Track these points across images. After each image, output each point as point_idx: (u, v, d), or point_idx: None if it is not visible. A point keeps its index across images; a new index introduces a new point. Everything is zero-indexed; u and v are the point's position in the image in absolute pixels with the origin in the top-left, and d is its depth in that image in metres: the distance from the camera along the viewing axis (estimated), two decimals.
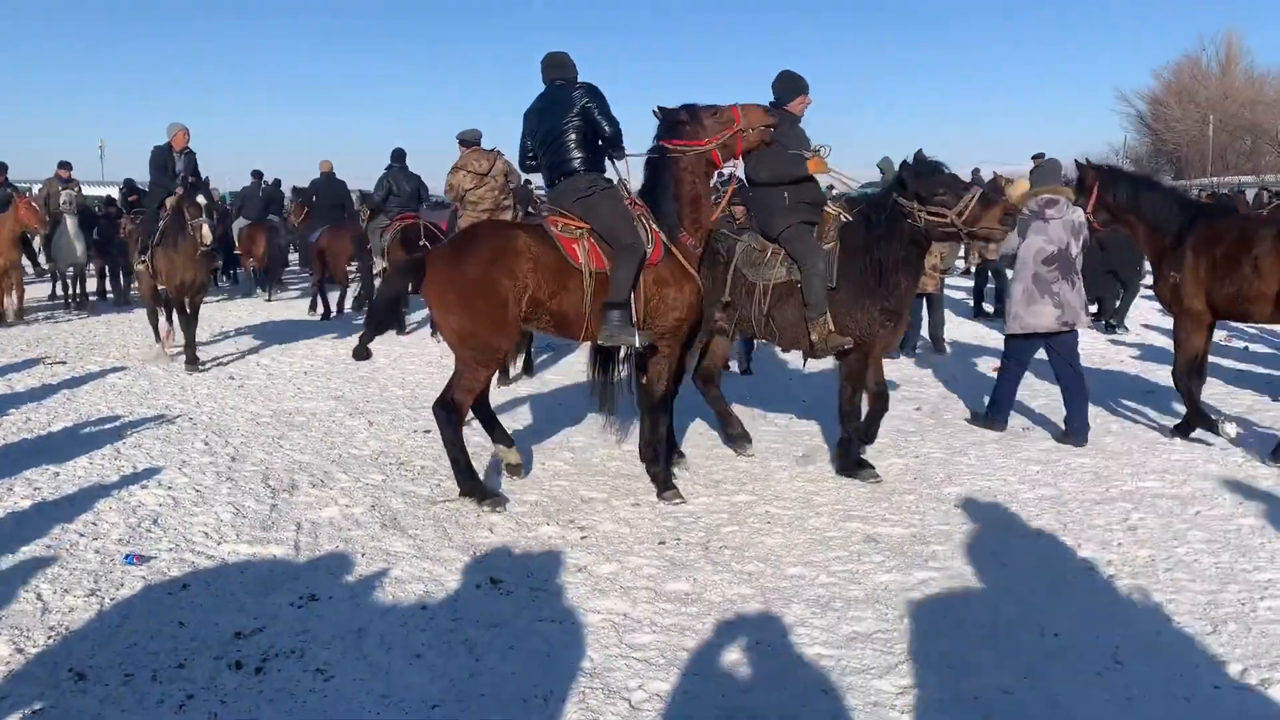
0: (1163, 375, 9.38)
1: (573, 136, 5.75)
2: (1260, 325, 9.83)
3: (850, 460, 6.31)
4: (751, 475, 6.36)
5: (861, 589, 4.52)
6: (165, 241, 9.81)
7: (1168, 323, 12.73)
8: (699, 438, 7.29)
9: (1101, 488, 5.97)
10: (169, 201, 9.89)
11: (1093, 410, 7.92)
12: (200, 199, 9.56)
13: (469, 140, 10.01)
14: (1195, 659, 3.76)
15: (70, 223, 14.38)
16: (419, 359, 10.81)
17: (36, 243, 15.25)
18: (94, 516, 5.33)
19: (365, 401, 8.57)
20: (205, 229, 9.45)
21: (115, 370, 9.90)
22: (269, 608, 4.24)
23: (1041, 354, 7.36)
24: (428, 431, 7.47)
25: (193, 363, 9.99)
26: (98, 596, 4.31)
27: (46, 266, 16.10)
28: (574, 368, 10.16)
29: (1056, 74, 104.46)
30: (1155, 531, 5.19)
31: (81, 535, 5.04)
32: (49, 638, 3.92)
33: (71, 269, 15.09)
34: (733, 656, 3.86)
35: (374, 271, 13.07)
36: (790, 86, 6.49)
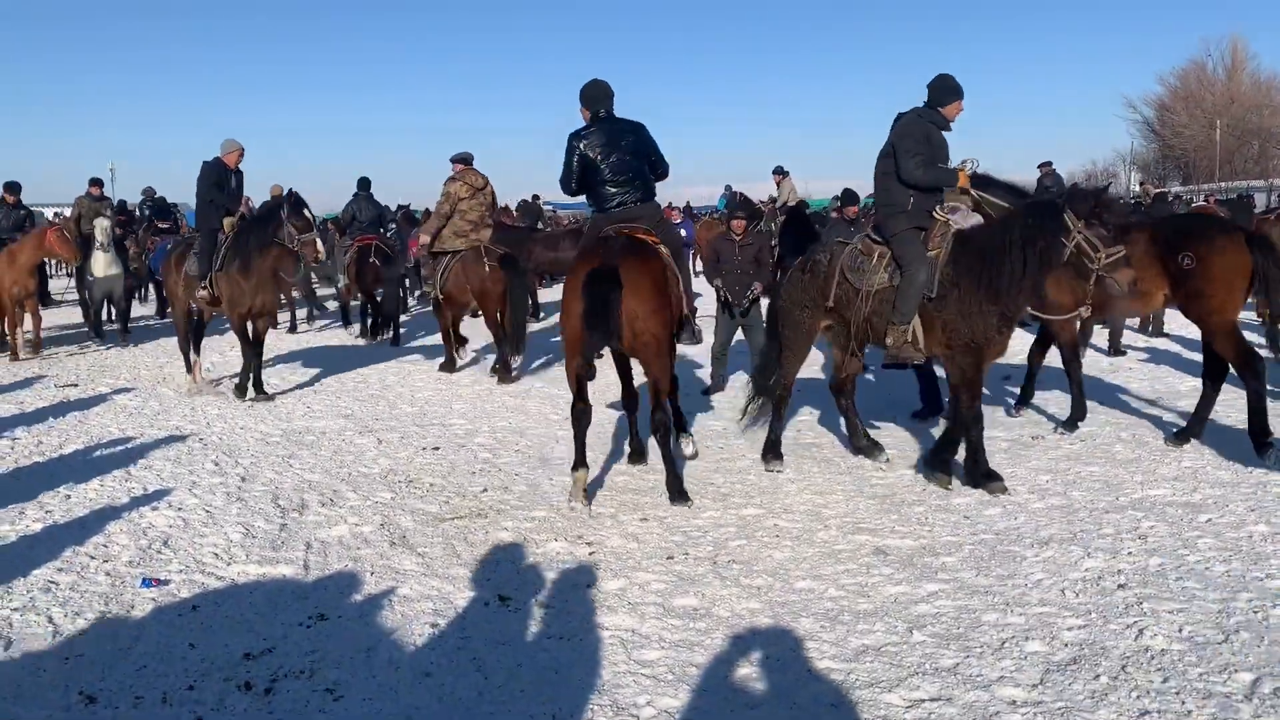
0: (1172, 383, 9.35)
1: (645, 169, 6.38)
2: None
3: (979, 471, 6.19)
4: (760, 488, 6.35)
5: (870, 602, 4.51)
6: (231, 264, 9.16)
7: (1179, 331, 12.74)
8: (706, 451, 7.28)
9: (1111, 496, 5.95)
10: (228, 221, 9.43)
11: (1102, 418, 7.93)
12: (306, 212, 9.19)
13: (464, 159, 10.64)
14: (1207, 668, 3.73)
15: (104, 246, 13.28)
16: (428, 376, 10.84)
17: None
18: (105, 539, 5.35)
19: (374, 419, 8.60)
20: (318, 243, 9.09)
21: (126, 392, 9.95)
22: (278, 628, 4.25)
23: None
24: (436, 448, 7.50)
25: (260, 392, 9.47)
26: (108, 619, 4.33)
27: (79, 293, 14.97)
28: None
29: (1062, 81, 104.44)
30: (1166, 539, 5.16)
31: (92, 557, 5.06)
32: (60, 660, 3.93)
33: (108, 296, 14.13)
34: (742, 672, 3.86)
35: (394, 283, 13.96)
36: (947, 90, 6.44)
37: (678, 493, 6.01)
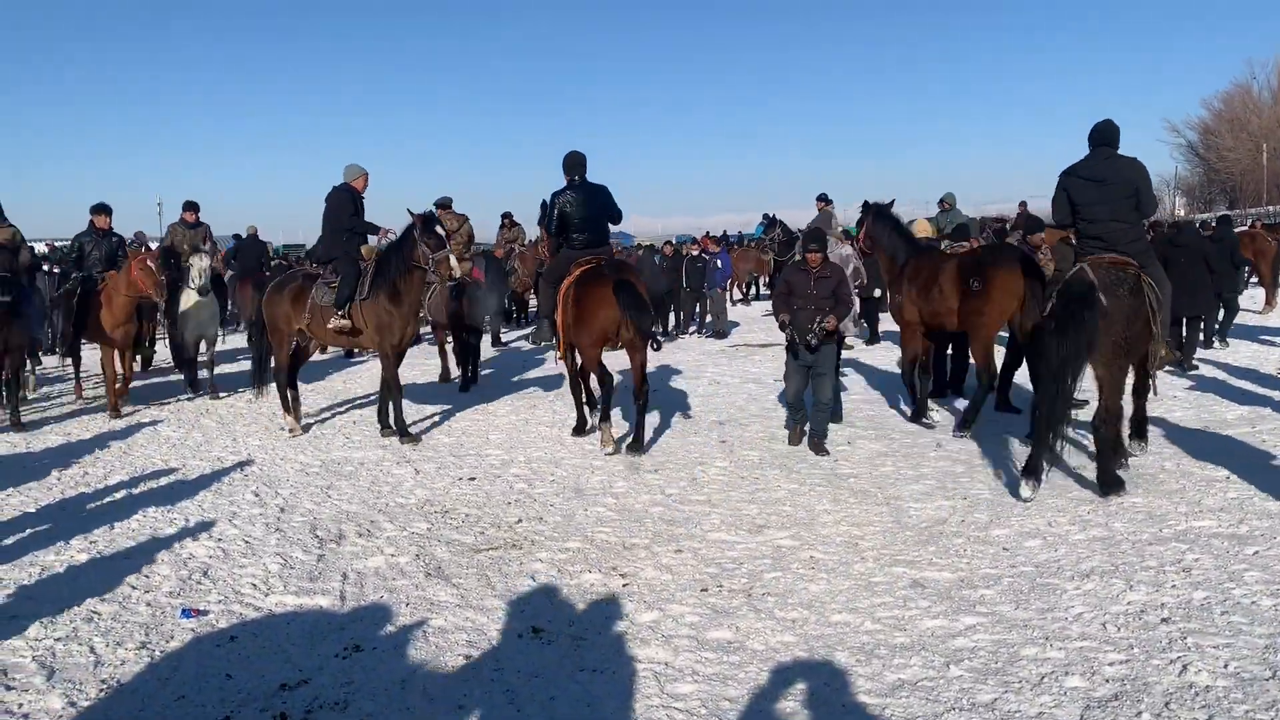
0: (1219, 411, 9.18)
1: (605, 221, 8.86)
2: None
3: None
4: (795, 519, 6.31)
5: (907, 635, 4.45)
6: (379, 292, 8.90)
7: (1225, 358, 12.52)
8: (740, 481, 7.26)
9: (1155, 528, 5.84)
10: (367, 249, 9.41)
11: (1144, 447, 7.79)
12: (438, 229, 8.99)
13: (444, 204, 13.84)
14: (1253, 707, 3.64)
15: (201, 289, 11.56)
16: (464, 407, 10.90)
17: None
18: (147, 569, 5.43)
19: (412, 449, 8.66)
20: (453, 260, 8.91)
21: (168, 423, 10.12)
22: (314, 659, 4.28)
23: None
24: (472, 479, 7.54)
25: (407, 436, 9.00)
26: (148, 649, 4.39)
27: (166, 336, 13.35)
28: (614, 412, 10.20)
29: (1104, 105, 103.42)
30: (1211, 572, 5.05)
31: (134, 588, 5.14)
32: (101, 690, 3.99)
33: (202, 340, 12.07)
34: (776, 706, 3.82)
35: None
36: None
37: (637, 440, 8.35)
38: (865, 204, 9.97)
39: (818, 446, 8.14)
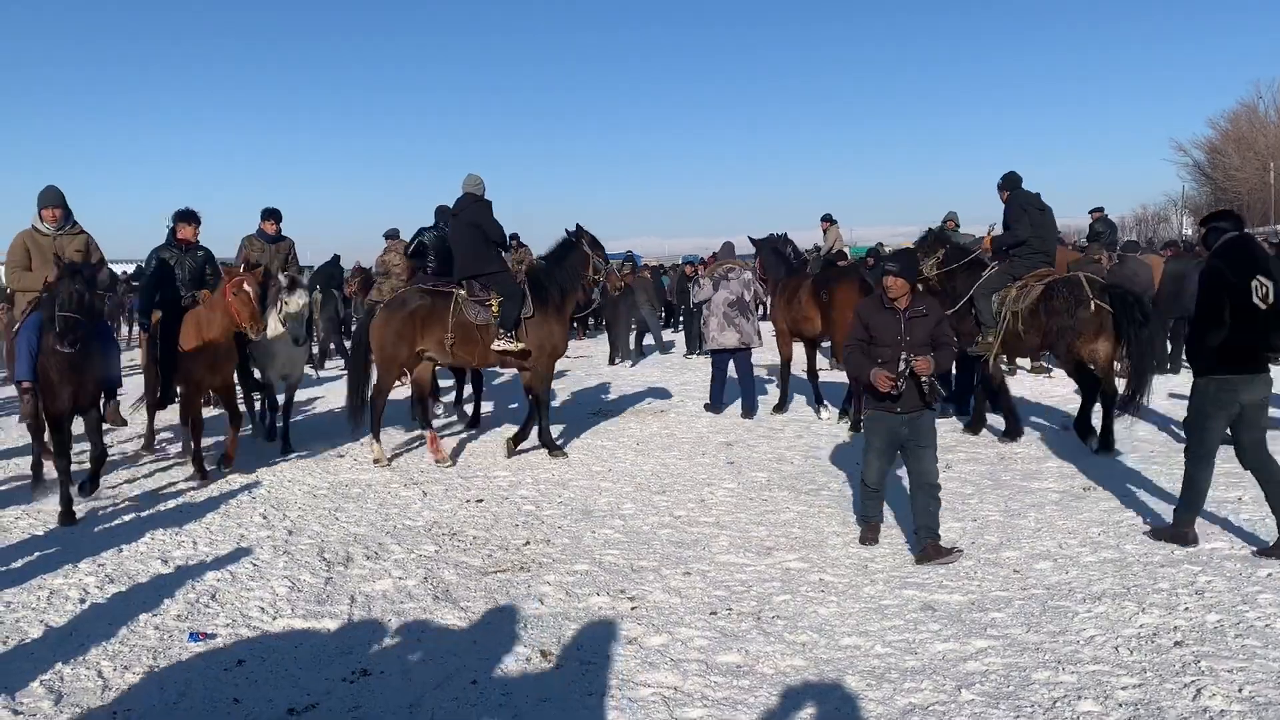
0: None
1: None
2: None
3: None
4: (804, 541, 6.28)
5: (918, 659, 4.42)
6: (545, 309, 8.85)
7: None
8: (749, 503, 7.24)
9: (1166, 550, 5.80)
10: (512, 261, 9.40)
11: (1157, 469, 7.78)
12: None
13: (392, 235, 13.79)
14: None
15: (294, 318, 9.11)
16: (468, 427, 10.90)
17: None
18: (154, 593, 5.42)
19: (420, 471, 8.66)
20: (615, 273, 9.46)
21: (177, 446, 10.11)
22: (322, 683, 4.26)
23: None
24: (480, 501, 7.53)
25: (557, 450, 9.10)
26: (156, 673, 4.37)
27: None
28: (621, 432, 10.19)
29: (1111, 126, 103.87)
30: (1224, 595, 5.01)
31: (142, 611, 5.13)
32: (109, 716, 3.98)
33: (286, 379, 9.84)
34: None
35: None
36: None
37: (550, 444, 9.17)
38: (751, 238, 12.19)
39: (934, 551, 5.74)
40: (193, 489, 8.01)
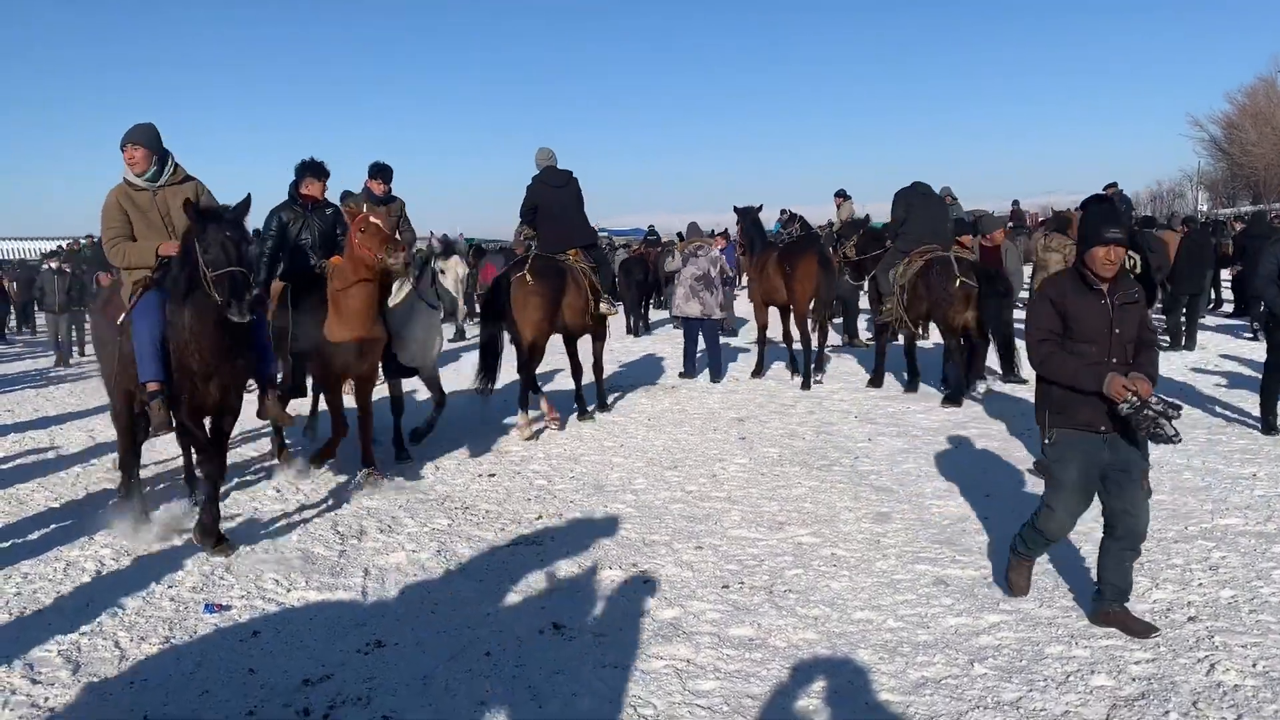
0: (1246, 409, 9.08)
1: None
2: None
3: None
4: (816, 516, 6.28)
5: (930, 633, 4.42)
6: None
7: (1246, 351, 12.41)
8: (761, 478, 7.24)
9: (1180, 525, 5.78)
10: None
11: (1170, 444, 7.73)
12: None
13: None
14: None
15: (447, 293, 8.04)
16: (484, 401, 10.90)
17: None
18: (170, 564, 5.46)
19: (432, 445, 8.67)
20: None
21: None
22: (336, 654, 4.29)
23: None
24: (492, 475, 7.55)
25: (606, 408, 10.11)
26: (172, 644, 4.41)
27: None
28: (632, 408, 10.19)
29: (1127, 102, 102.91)
30: (1238, 571, 5.00)
31: (158, 583, 5.17)
32: (126, 685, 4.01)
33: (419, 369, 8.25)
34: (799, 704, 3.81)
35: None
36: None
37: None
38: (736, 207, 12.53)
39: (1123, 620, 4.37)
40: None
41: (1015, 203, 19.05)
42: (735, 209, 12.62)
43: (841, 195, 19.47)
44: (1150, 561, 5.18)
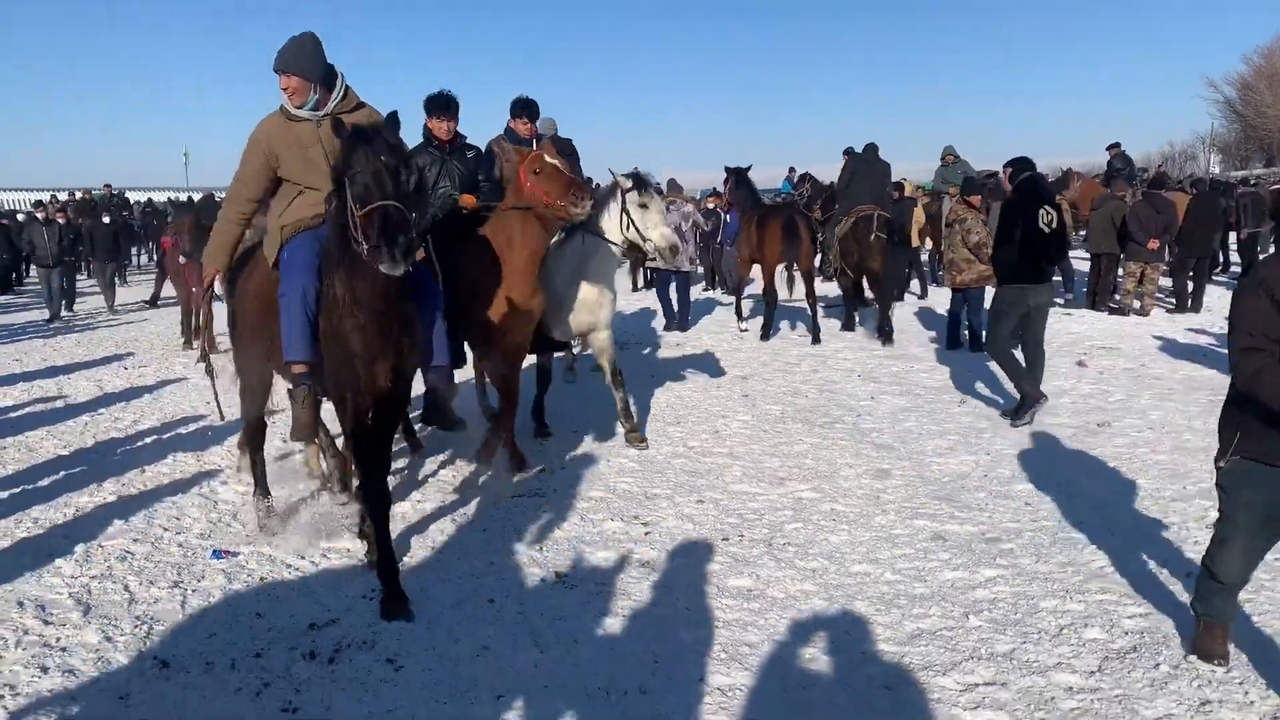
0: None
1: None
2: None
3: None
4: (817, 472, 6.33)
5: (927, 586, 4.48)
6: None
7: None
8: (763, 435, 7.28)
9: (1179, 485, 5.82)
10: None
11: (1173, 406, 7.77)
12: None
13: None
14: (1274, 658, 3.65)
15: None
16: None
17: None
18: (177, 512, 5.54)
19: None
20: None
21: (197, 371, 10.22)
22: (342, 600, 4.36)
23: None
24: None
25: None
26: (180, 588, 4.49)
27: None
28: (636, 364, 10.22)
29: (1143, 63, 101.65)
30: None
31: (166, 529, 5.24)
32: (135, 627, 4.09)
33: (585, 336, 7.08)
34: (795, 652, 3.87)
35: None
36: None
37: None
38: (727, 169, 12.74)
39: None
40: (212, 414, 8.11)
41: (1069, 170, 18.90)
42: (726, 169, 12.82)
43: (849, 153, 19.34)
44: (1148, 520, 5.23)
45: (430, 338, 4.60)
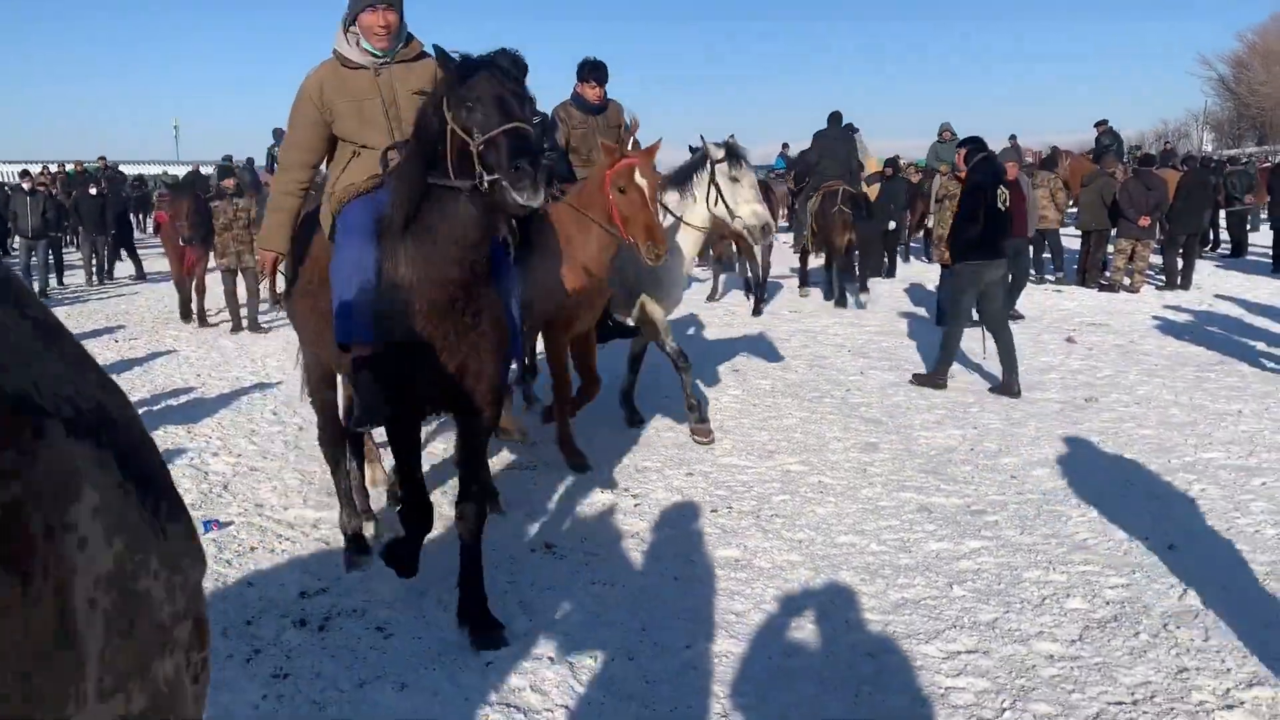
0: (1232, 348, 9.16)
1: None
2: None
3: None
4: (805, 445, 6.37)
5: (912, 557, 4.54)
6: None
7: (1241, 292, 12.46)
8: (752, 408, 7.32)
9: (1164, 459, 5.88)
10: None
11: (1160, 382, 7.83)
12: None
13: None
14: (1251, 627, 3.71)
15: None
16: None
17: None
18: None
19: None
20: None
21: (187, 343, 10.23)
22: (333, 569, 4.40)
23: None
24: None
25: None
26: None
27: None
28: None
29: (1136, 39, 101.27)
30: (1217, 502, 5.10)
31: None
32: None
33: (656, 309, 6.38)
34: (780, 620, 3.92)
35: None
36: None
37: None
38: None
39: None
40: (203, 386, 8.11)
41: (1012, 137, 18.95)
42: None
43: (849, 129, 19.30)
44: (1132, 493, 5.29)
45: (516, 336, 3.86)
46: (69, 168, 24.33)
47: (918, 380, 8.02)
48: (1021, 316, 10.89)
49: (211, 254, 11.06)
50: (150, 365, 9.05)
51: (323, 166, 4.24)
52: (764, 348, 9.79)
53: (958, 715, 3.21)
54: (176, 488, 0.90)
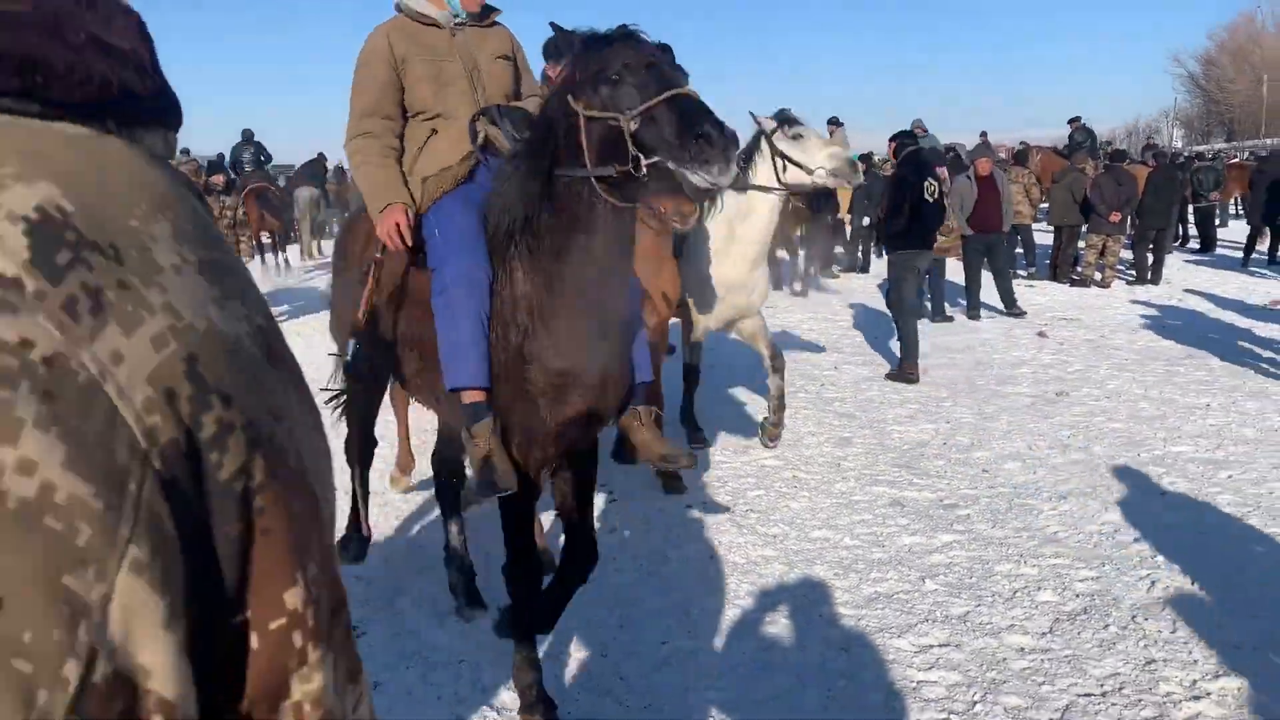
0: (1201, 342, 9.26)
1: None
2: None
3: None
4: (780, 440, 6.37)
5: (885, 551, 4.56)
6: None
7: (1210, 287, 12.61)
8: (726, 402, 7.34)
9: (1133, 452, 5.94)
10: None
11: (1129, 376, 7.91)
12: None
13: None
14: (1218, 617, 3.76)
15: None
16: None
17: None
18: None
19: None
20: None
21: None
22: None
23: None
24: None
25: None
26: None
27: None
28: None
29: (1108, 37, 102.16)
30: (1185, 495, 5.17)
31: None
32: None
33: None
34: (755, 615, 3.93)
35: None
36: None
37: None
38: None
39: None
40: None
41: (983, 134, 19.09)
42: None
43: (834, 123, 19.32)
44: (1102, 486, 5.34)
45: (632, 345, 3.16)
46: None
47: (891, 377, 8.06)
48: (1024, 313, 10.99)
49: None
50: None
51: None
52: (736, 343, 9.81)
53: (930, 708, 3.24)
54: None
